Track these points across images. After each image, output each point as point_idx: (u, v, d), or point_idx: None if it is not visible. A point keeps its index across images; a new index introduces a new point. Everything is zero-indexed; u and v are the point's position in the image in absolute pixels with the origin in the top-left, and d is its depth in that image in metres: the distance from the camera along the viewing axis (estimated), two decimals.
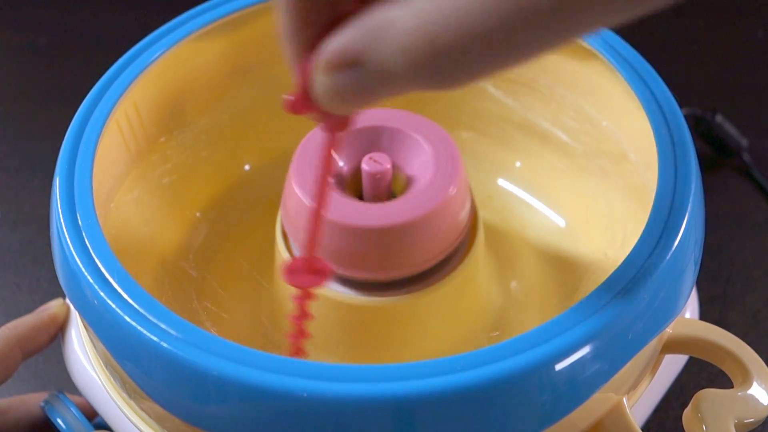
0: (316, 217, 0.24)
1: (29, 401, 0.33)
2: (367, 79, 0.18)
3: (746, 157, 0.51)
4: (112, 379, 0.29)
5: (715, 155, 0.51)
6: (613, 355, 0.24)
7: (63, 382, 0.38)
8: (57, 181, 0.28)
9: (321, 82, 0.19)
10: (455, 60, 0.16)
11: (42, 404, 0.31)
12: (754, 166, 0.50)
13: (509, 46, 0.16)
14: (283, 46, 0.20)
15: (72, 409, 0.31)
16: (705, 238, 0.28)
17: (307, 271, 0.25)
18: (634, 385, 0.27)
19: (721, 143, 0.51)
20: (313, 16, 0.19)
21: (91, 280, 0.25)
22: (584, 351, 0.23)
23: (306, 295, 0.26)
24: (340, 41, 0.18)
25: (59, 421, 0.30)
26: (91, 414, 0.31)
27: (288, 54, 0.20)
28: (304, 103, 0.20)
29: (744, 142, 0.50)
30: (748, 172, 0.51)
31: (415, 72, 0.17)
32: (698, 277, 0.28)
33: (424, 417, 0.22)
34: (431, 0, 0.16)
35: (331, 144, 0.23)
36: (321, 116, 0.21)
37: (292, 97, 0.20)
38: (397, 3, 0.17)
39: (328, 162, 0.23)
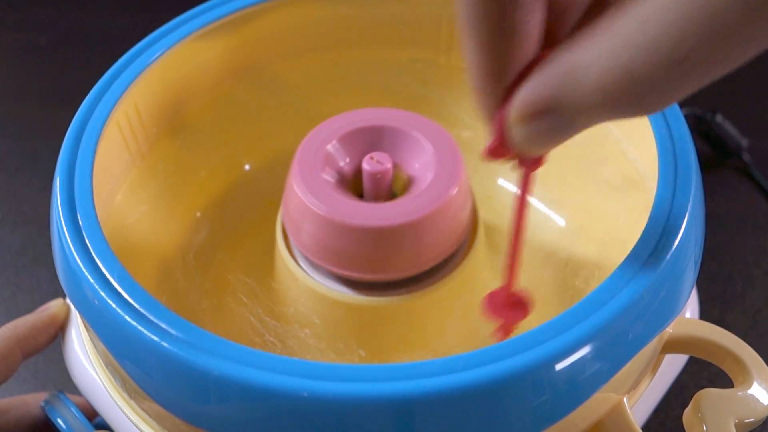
0: (516, 246, 0.24)
1: (29, 401, 0.33)
2: (563, 122, 0.18)
3: (746, 157, 0.51)
4: (112, 379, 0.29)
5: (715, 155, 0.51)
6: (613, 355, 0.24)
7: (63, 382, 0.38)
8: (57, 181, 0.28)
9: (517, 131, 0.19)
10: (656, 89, 0.16)
11: (42, 404, 0.31)
12: (754, 166, 0.50)
13: (711, 63, 0.16)
14: (476, 100, 0.20)
15: (72, 409, 0.31)
16: (705, 238, 0.28)
17: (508, 305, 0.25)
18: (635, 385, 0.27)
19: (721, 143, 0.51)
20: (503, 72, 0.19)
21: (91, 280, 0.25)
22: (584, 351, 0.23)
23: (507, 331, 0.25)
24: (531, 91, 0.18)
25: (59, 421, 0.30)
26: (91, 414, 0.31)
27: (481, 108, 0.20)
28: (502, 149, 0.20)
29: (744, 142, 0.50)
30: (748, 172, 0.51)
31: (613, 107, 0.17)
32: (698, 277, 0.28)
33: (424, 417, 0.22)
34: (621, 36, 0.16)
35: (528, 180, 0.23)
36: (518, 158, 0.22)
37: (489, 145, 0.21)
38: (579, 43, 0.17)
39: (524, 198, 0.24)
